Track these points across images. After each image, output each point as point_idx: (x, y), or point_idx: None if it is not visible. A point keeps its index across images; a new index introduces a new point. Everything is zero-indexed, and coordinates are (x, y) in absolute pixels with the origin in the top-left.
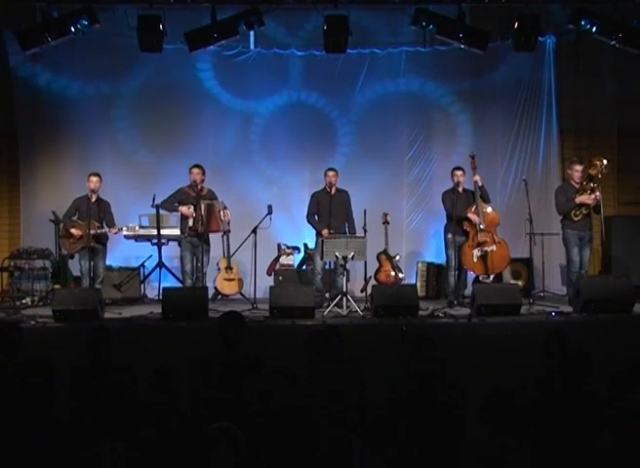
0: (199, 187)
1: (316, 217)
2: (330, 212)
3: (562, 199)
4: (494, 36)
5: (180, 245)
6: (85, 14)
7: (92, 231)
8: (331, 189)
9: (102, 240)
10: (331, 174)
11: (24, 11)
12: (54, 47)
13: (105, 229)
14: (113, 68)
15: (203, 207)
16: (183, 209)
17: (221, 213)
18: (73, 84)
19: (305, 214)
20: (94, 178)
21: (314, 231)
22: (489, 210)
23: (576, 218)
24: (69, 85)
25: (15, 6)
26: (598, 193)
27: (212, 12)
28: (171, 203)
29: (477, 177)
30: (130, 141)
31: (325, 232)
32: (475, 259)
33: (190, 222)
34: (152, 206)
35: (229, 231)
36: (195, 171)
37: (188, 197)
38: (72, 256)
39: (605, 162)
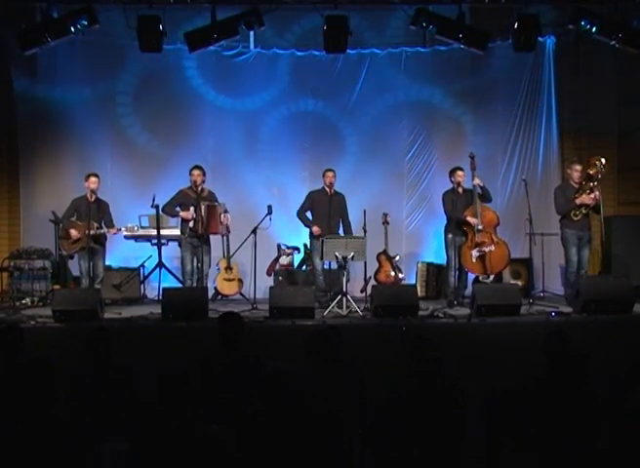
0: (199, 188)
1: (309, 215)
2: (329, 213)
3: (561, 199)
4: (494, 36)
5: (180, 246)
6: (85, 14)
7: (91, 232)
8: (330, 190)
9: (101, 240)
10: (330, 174)
11: (24, 11)
12: (53, 47)
13: (104, 230)
14: (113, 68)
15: (203, 208)
16: (184, 214)
17: (222, 216)
18: (72, 84)
19: (297, 209)
20: (93, 179)
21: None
22: (487, 210)
23: (575, 218)
24: (69, 85)
25: (15, 6)
26: (597, 193)
27: (212, 12)
28: (172, 206)
29: (477, 180)
30: (129, 142)
31: (315, 229)
32: (474, 260)
33: (191, 224)
34: (152, 206)
35: (229, 233)
36: (195, 172)
37: (189, 199)
38: (72, 257)
39: (604, 161)
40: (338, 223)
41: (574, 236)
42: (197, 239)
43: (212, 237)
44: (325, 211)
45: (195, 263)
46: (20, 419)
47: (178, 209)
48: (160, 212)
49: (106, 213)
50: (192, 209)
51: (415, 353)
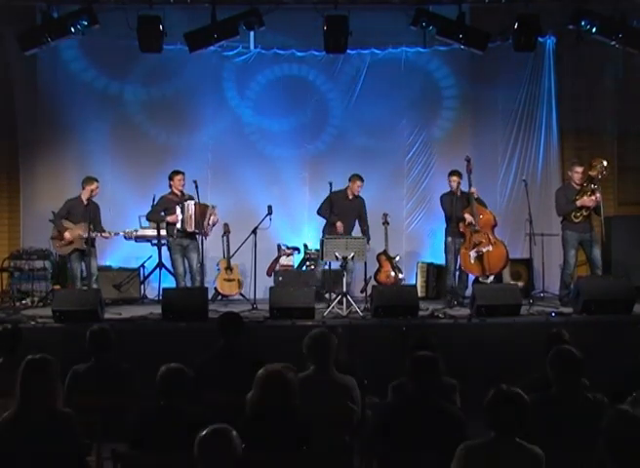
0: (181, 192)
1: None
2: (348, 215)
3: (562, 200)
4: (494, 36)
5: (169, 249)
6: (85, 14)
7: (85, 234)
8: (351, 195)
9: (92, 241)
10: (359, 184)
11: (24, 11)
12: (53, 47)
13: (96, 234)
14: (113, 69)
15: (191, 207)
16: (170, 217)
17: (211, 217)
18: (72, 84)
19: (317, 208)
20: (97, 184)
21: (318, 231)
22: (484, 211)
23: (576, 220)
24: (69, 85)
25: (15, 6)
26: (598, 195)
27: (212, 12)
28: (157, 213)
29: (473, 190)
30: (130, 143)
31: (339, 225)
32: (472, 261)
33: (178, 225)
34: (152, 207)
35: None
36: (179, 177)
37: (172, 203)
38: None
39: (605, 163)
40: (352, 225)
41: (574, 238)
42: (186, 238)
43: (211, 237)
44: (343, 213)
45: (187, 264)
46: (19, 420)
47: (163, 214)
48: (146, 220)
49: (97, 215)
50: (178, 210)
51: (414, 353)
